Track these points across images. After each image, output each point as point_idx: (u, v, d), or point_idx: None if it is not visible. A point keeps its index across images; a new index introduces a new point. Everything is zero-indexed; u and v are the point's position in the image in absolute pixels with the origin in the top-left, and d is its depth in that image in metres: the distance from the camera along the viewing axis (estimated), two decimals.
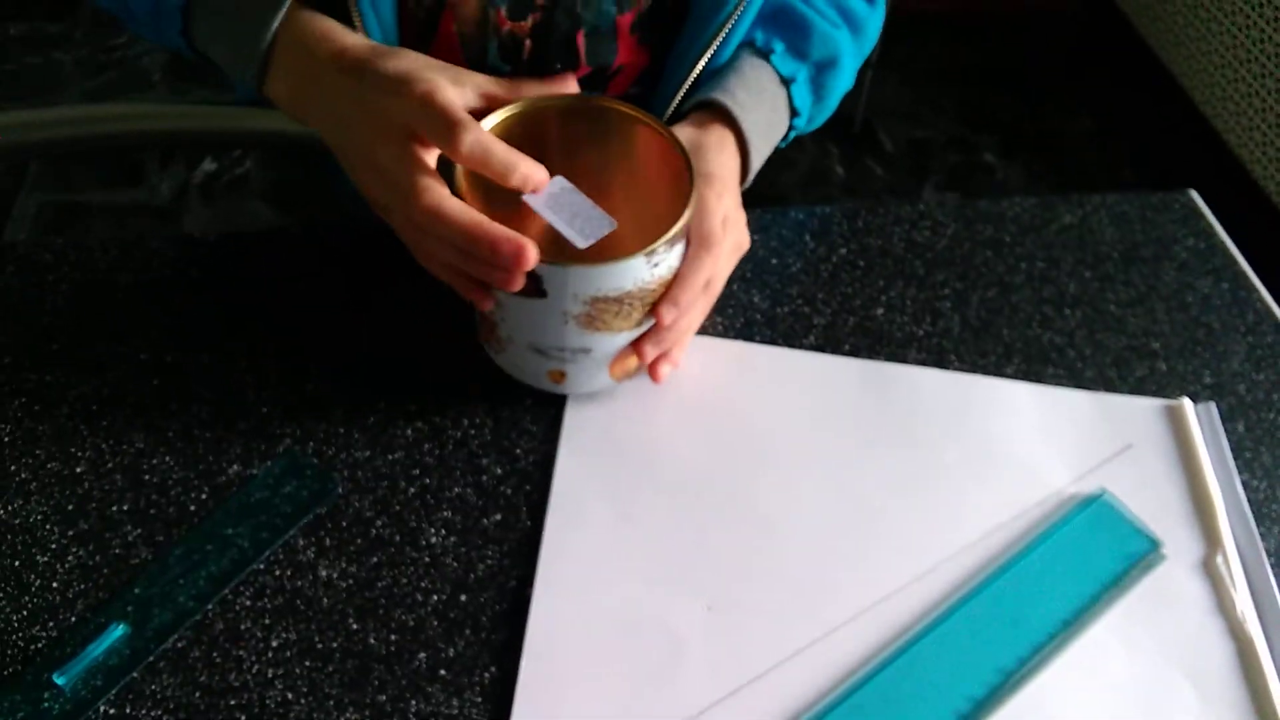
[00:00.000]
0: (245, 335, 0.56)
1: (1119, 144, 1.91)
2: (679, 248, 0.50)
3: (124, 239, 0.61)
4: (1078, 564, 0.51)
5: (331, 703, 0.44)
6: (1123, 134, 1.93)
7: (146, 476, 0.51)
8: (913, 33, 2.03)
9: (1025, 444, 0.55)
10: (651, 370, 0.54)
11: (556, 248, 0.46)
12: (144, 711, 0.44)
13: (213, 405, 0.54)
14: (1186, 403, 0.57)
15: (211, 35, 0.54)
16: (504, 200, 0.47)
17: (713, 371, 0.57)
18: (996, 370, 0.59)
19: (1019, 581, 0.50)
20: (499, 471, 0.52)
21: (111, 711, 0.44)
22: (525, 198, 0.47)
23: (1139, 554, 0.52)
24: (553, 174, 0.48)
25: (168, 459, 0.52)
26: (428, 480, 0.52)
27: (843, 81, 0.64)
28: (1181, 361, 0.60)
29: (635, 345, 0.52)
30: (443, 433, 0.54)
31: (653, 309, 0.50)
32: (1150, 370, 0.60)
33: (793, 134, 0.63)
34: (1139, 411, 0.57)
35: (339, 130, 0.51)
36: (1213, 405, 0.58)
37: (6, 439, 0.52)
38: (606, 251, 0.46)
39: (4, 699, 0.44)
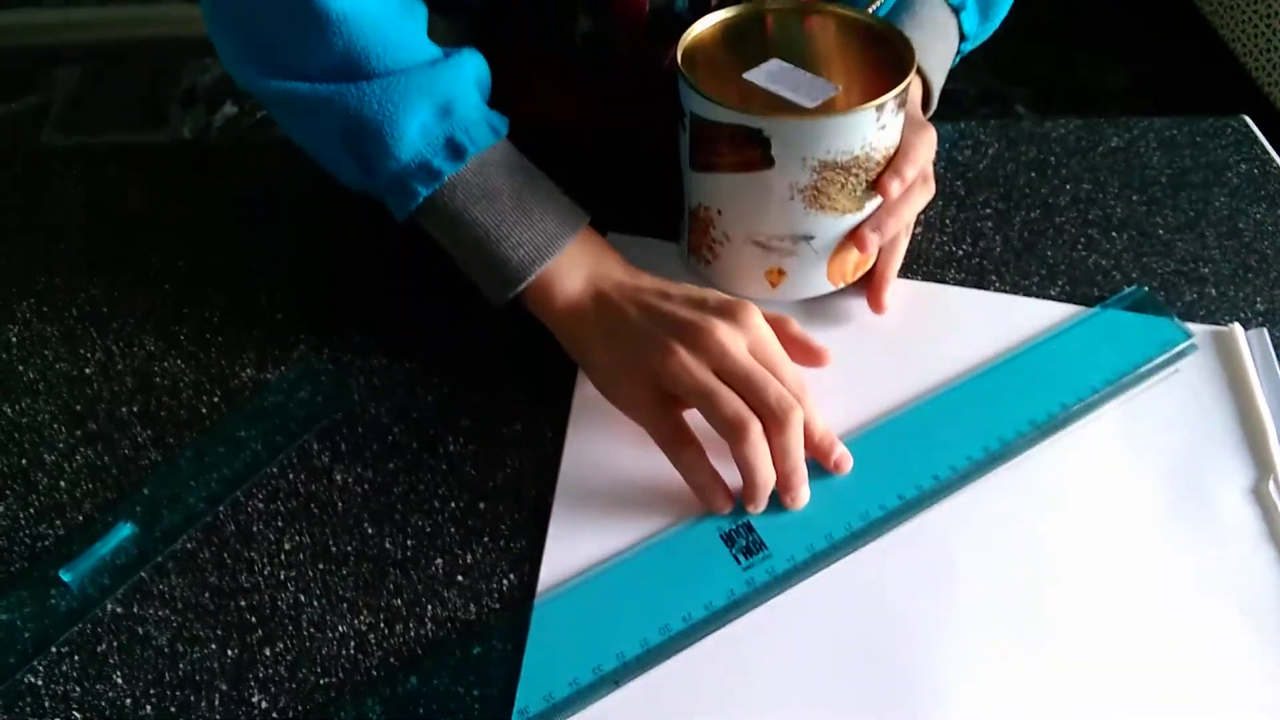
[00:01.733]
0: (261, 242, 0.55)
1: (1156, 100, 1.86)
2: (902, 118, 0.49)
3: (136, 144, 0.59)
4: (1108, 345, 0.53)
5: (345, 605, 0.43)
6: (1160, 90, 1.88)
7: (157, 379, 0.49)
8: None
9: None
10: (872, 295, 0.53)
11: (787, 109, 0.45)
12: (151, 610, 0.43)
13: (226, 311, 0.52)
14: (1237, 328, 0.55)
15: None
16: (718, 77, 0.47)
17: None
18: (1040, 292, 0.56)
19: (1050, 354, 0.53)
20: (521, 381, 0.50)
21: (119, 610, 0.43)
22: (746, 75, 0.47)
23: (1172, 341, 0.54)
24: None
25: (179, 362, 0.50)
26: (446, 389, 0.50)
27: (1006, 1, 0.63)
28: (1232, 288, 0.57)
29: (855, 233, 0.50)
30: (464, 342, 0.52)
31: (877, 185, 0.49)
32: (1199, 295, 0.57)
33: (958, 58, 0.63)
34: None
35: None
36: (1264, 332, 0.55)
37: (14, 340, 0.51)
38: (840, 107, 0.46)
39: (11, 595, 0.43)
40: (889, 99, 0.46)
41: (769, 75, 0.48)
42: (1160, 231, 0.60)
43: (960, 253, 0.58)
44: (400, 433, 0.48)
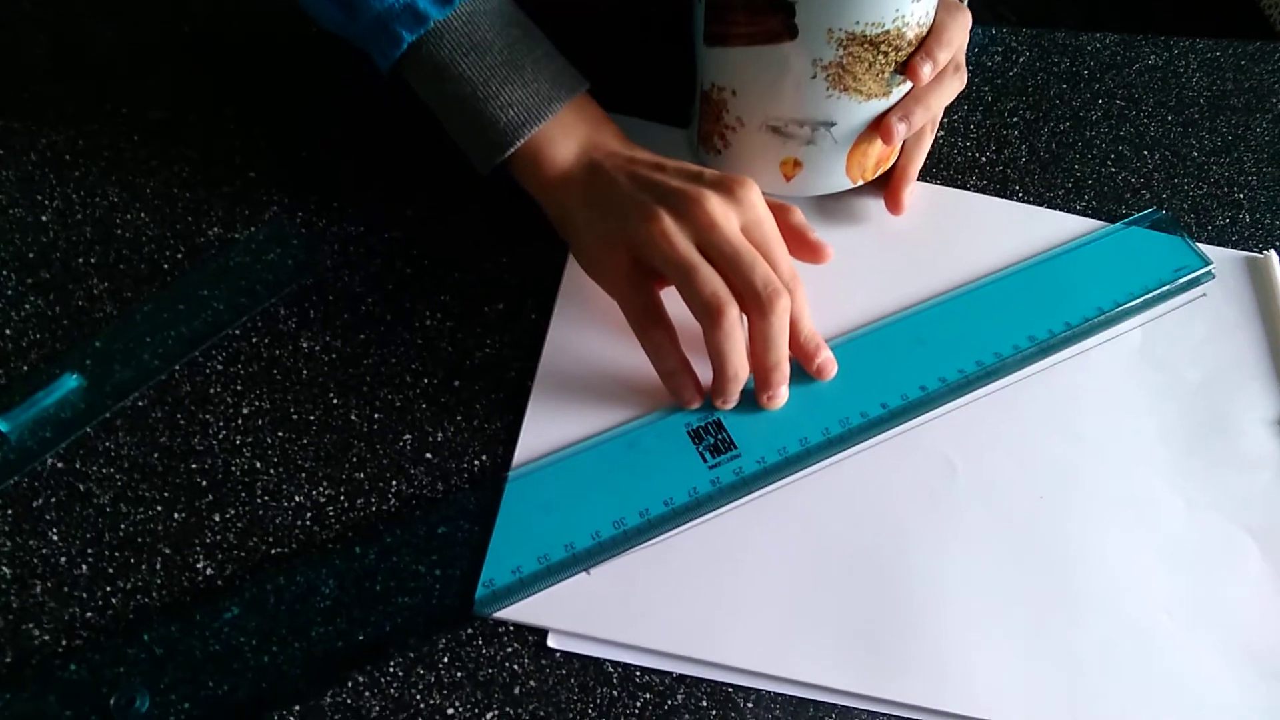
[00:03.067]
0: (239, 98, 0.51)
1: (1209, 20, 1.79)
2: None
3: None
4: (1119, 265, 0.50)
5: (304, 475, 0.40)
6: (1217, 12, 1.80)
7: (118, 231, 0.46)
8: None
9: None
10: (891, 195, 0.50)
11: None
12: (95, 468, 0.40)
13: (196, 166, 0.48)
14: (1272, 255, 0.52)
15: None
16: None
17: None
18: (1064, 206, 0.53)
19: (1059, 271, 0.50)
20: (506, 261, 0.47)
21: (60, 465, 0.40)
22: None
23: (1187, 268, 0.50)
24: None
25: (143, 215, 0.47)
26: (426, 262, 0.47)
27: None
28: (1268, 215, 0.54)
29: (881, 122, 0.46)
30: (449, 215, 0.48)
31: (906, 67, 0.45)
32: (1232, 220, 0.54)
33: None
34: (1217, 259, 0.51)
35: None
36: None
37: None
38: None
39: None
40: None
41: None
42: (1194, 154, 0.56)
43: (984, 160, 0.54)
44: (374, 304, 0.45)
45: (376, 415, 0.42)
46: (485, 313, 0.45)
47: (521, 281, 0.46)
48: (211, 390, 0.42)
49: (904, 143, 0.49)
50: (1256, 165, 0.56)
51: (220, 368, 0.43)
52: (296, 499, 0.40)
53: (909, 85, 0.46)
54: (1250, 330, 0.49)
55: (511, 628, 0.38)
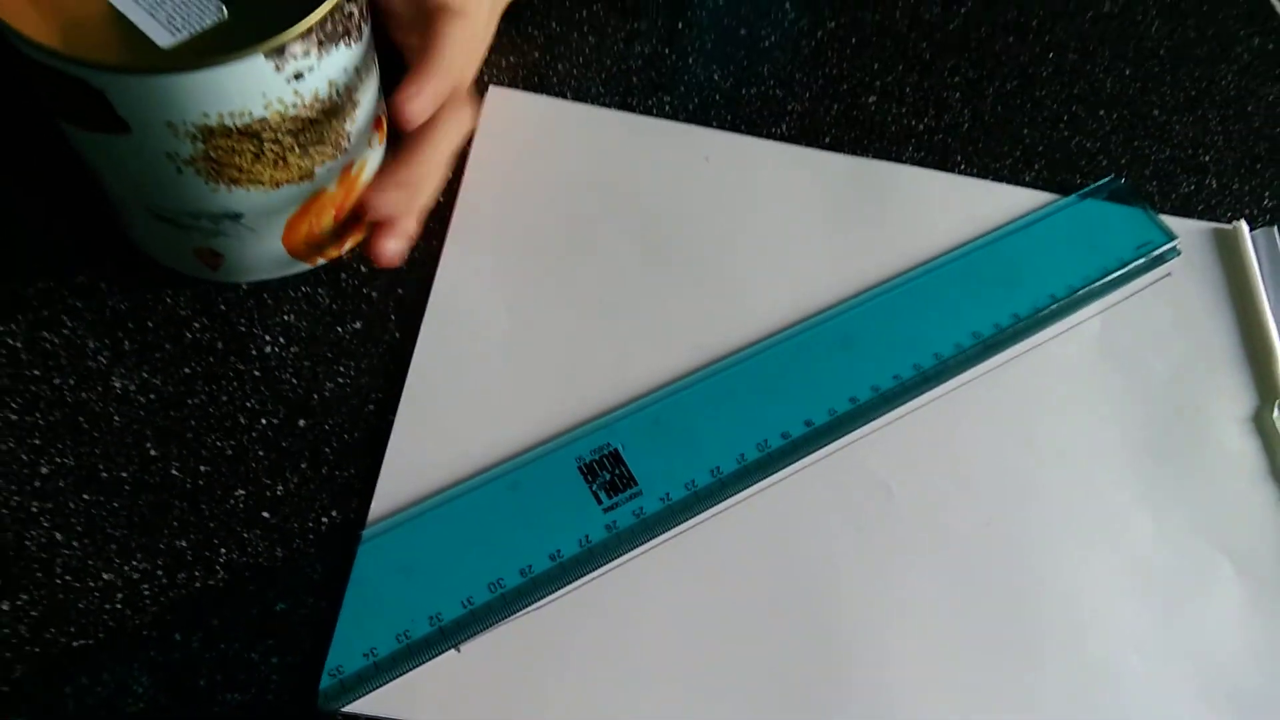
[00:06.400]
0: None
1: None
2: (345, 55, 0.33)
3: None
4: (1072, 245, 0.44)
5: (114, 547, 0.33)
6: None
7: None
8: None
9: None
10: (371, 246, 0.36)
11: (138, 45, 0.30)
12: None
13: None
14: (1242, 226, 0.46)
15: None
16: None
17: (657, 162, 0.45)
18: (1012, 177, 0.47)
19: (1007, 253, 0.44)
20: (363, 270, 0.40)
21: None
22: None
23: (1149, 245, 0.45)
24: None
25: None
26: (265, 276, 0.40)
27: None
28: (1237, 179, 0.48)
29: (342, 206, 0.36)
30: None
31: (393, 105, 0.34)
32: (1197, 187, 0.48)
33: None
34: (1182, 234, 0.45)
35: None
36: (1274, 230, 0.46)
37: None
38: (215, 49, 0.30)
39: None
40: (295, 34, 0.30)
41: None
42: (1155, 111, 0.50)
43: (921, 127, 0.48)
44: (201, 328, 0.38)
45: (203, 468, 0.35)
46: (338, 334, 0.39)
47: (381, 295, 0.40)
48: (3, 446, 0.35)
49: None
50: (1223, 122, 0.50)
51: (13, 418, 0.35)
52: (105, 576, 0.33)
53: (347, 158, 0.36)
54: (1220, 313, 0.44)
55: None
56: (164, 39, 0.30)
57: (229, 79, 0.30)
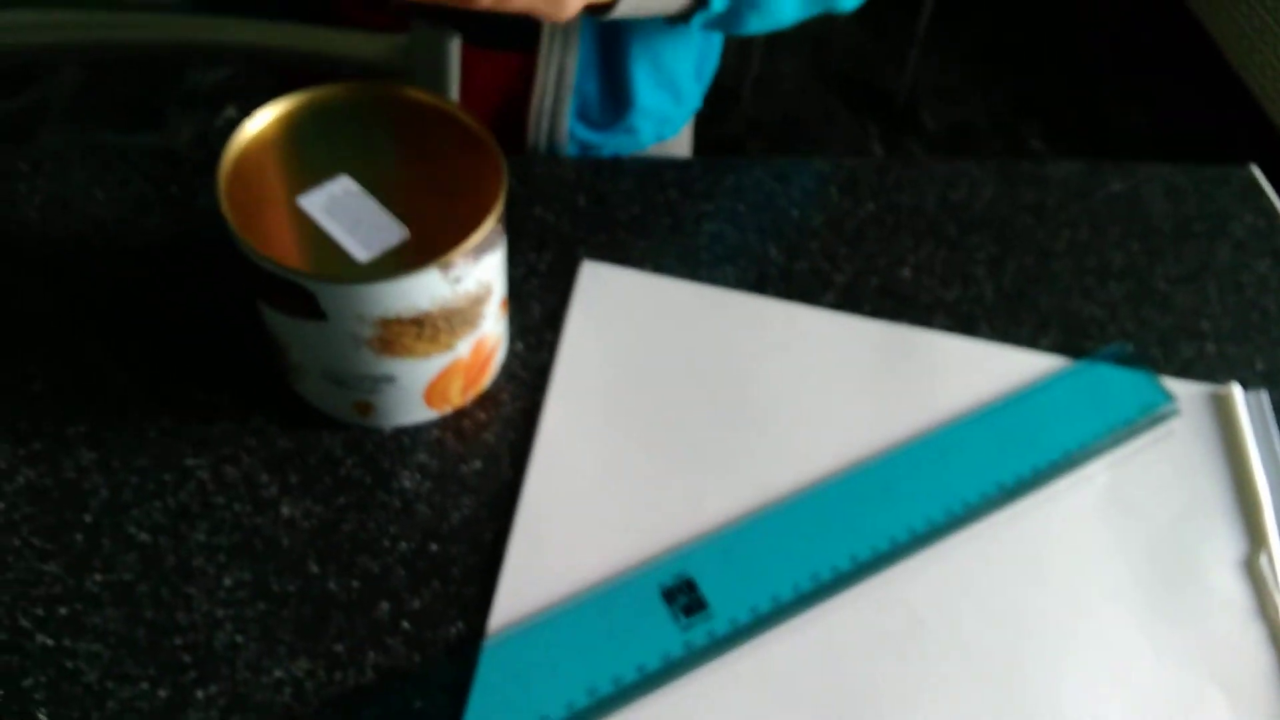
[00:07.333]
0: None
1: (1172, 138, 1.83)
2: (491, 258, 0.43)
3: (117, 144, 0.58)
4: (1085, 405, 0.51)
5: (284, 649, 0.41)
6: (1177, 127, 1.85)
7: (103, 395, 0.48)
8: (962, 11, 1.96)
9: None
10: None
11: (340, 258, 0.40)
12: (83, 644, 0.41)
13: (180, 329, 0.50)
14: (1236, 388, 0.53)
15: None
16: (272, 198, 0.41)
17: (724, 326, 0.53)
18: (1030, 342, 0.54)
19: (1023, 413, 0.51)
20: (482, 417, 0.49)
21: (49, 643, 0.41)
22: (302, 199, 0.41)
23: (1152, 405, 0.51)
24: (341, 172, 0.42)
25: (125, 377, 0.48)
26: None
27: None
28: (1233, 345, 0.55)
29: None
30: None
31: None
32: (1198, 353, 0.55)
33: (700, 16, 0.55)
34: (1183, 395, 0.52)
35: None
36: (1264, 394, 0.53)
37: None
38: (399, 263, 0.40)
39: None
40: (456, 256, 0.40)
41: (329, 201, 0.41)
42: (1160, 283, 0.58)
43: (950, 297, 0.56)
44: (353, 465, 0.46)
45: (355, 584, 0.43)
46: (462, 471, 0.47)
47: (497, 439, 0.48)
48: (194, 563, 0.43)
49: None
50: (1220, 293, 0.58)
51: (203, 539, 0.44)
52: (276, 673, 0.41)
53: (480, 332, 0.45)
54: (1215, 467, 0.50)
55: None
56: (361, 255, 0.39)
57: (410, 285, 0.39)
